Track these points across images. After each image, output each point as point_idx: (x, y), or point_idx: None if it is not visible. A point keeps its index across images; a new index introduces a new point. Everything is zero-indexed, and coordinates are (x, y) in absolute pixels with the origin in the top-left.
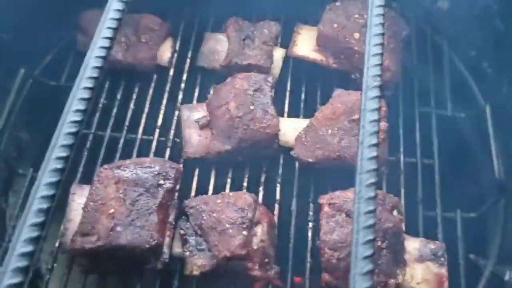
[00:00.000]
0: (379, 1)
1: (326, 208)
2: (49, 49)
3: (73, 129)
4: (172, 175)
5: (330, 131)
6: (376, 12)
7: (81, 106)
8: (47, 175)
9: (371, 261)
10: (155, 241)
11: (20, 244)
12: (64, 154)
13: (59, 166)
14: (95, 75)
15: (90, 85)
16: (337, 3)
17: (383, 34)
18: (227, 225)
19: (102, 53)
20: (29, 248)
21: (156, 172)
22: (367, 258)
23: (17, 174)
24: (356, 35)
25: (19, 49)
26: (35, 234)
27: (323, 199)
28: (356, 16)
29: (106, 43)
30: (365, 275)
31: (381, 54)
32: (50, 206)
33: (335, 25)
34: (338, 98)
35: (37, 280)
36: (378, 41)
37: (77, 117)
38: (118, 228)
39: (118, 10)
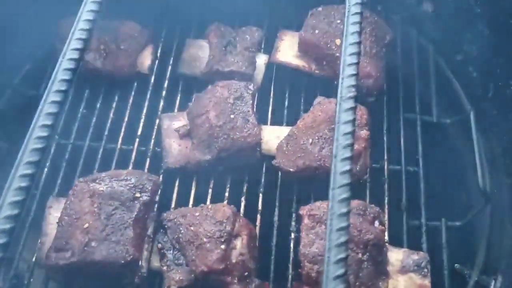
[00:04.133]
0: (356, 8)
1: (306, 220)
2: (28, 58)
3: (39, 145)
4: (149, 188)
5: (310, 140)
6: (352, 20)
7: (48, 121)
8: (11, 194)
9: (342, 281)
10: (131, 256)
11: None
12: (29, 171)
13: (23, 184)
14: (63, 88)
15: (58, 99)
16: (319, 9)
17: (359, 43)
18: (205, 239)
19: (71, 65)
20: None
21: (132, 185)
22: (338, 278)
23: None
24: (338, 41)
25: None
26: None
27: (304, 210)
28: (338, 21)
29: (75, 55)
30: None
31: (357, 63)
32: (13, 226)
33: (317, 31)
34: (318, 106)
35: None
36: (354, 50)
37: (44, 133)
38: (93, 244)
39: (88, 20)
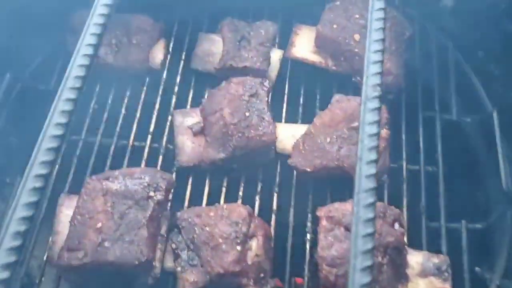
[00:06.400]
0: (379, 4)
1: (324, 222)
2: (38, 52)
3: (54, 144)
4: (163, 187)
5: (328, 139)
6: (376, 16)
7: (62, 119)
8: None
9: None
10: (145, 257)
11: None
12: (43, 172)
13: (38, 184)
14: (77, 85)
15: (73, 96)
16: (337, 2)
17: (383, 40)
18: (220, 240)
19: (86, 61)
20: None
21: (146, 184)
22: (364, 287)
23: (5, 183)
24: (357, 37)
25: (6, 52)
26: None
27: (321, 212)
28: (357, 16)
29: (90, 51)
30: None
31: (382, 61)
32: (28, 228)
33: (335, 26)
34: (337, 104)
35: None
36: (379, 48)
37: (58, 131)
38: (106, 244)
39: (103, 14)
